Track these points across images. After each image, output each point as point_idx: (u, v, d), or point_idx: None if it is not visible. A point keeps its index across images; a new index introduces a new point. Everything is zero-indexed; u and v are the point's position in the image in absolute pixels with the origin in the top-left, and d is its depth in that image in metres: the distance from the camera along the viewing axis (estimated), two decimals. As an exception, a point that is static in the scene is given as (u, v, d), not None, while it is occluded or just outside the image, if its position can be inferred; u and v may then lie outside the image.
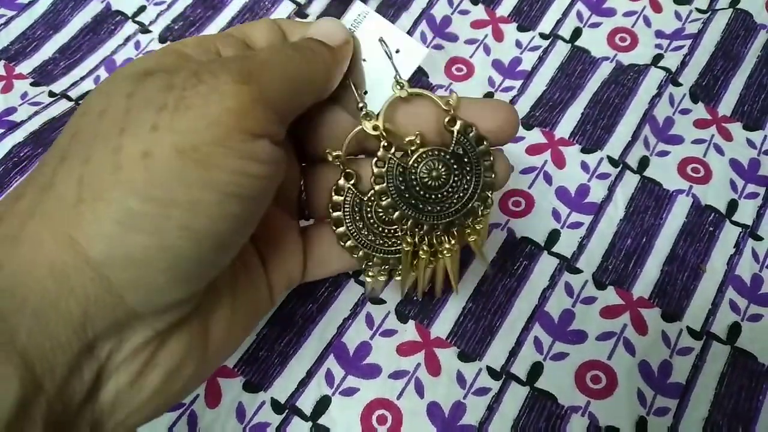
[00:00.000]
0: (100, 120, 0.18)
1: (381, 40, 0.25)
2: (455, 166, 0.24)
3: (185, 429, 0.29)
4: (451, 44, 0.41)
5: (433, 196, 0.24)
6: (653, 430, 0.29)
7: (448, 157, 0.24)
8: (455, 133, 0.24)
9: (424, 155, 0.24)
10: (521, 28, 0.41)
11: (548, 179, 0.35)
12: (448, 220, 0.24)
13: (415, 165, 0.24)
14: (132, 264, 0.17)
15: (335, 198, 0.25)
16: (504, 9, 0.42)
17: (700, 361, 0.31)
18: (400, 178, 0.24)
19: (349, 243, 0.26)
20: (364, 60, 0.25)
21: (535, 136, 0.37)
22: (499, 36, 0.41)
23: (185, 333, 0.20)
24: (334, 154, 0.24)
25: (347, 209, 0.25)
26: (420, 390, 0.30)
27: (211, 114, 0.18)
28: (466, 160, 0.24)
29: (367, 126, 0.23)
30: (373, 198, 0.25)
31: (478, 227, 0.25)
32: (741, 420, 0.29)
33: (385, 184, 0.24)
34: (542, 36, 0.41)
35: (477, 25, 0.41)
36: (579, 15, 0.42)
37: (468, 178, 0.24)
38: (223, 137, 0.18)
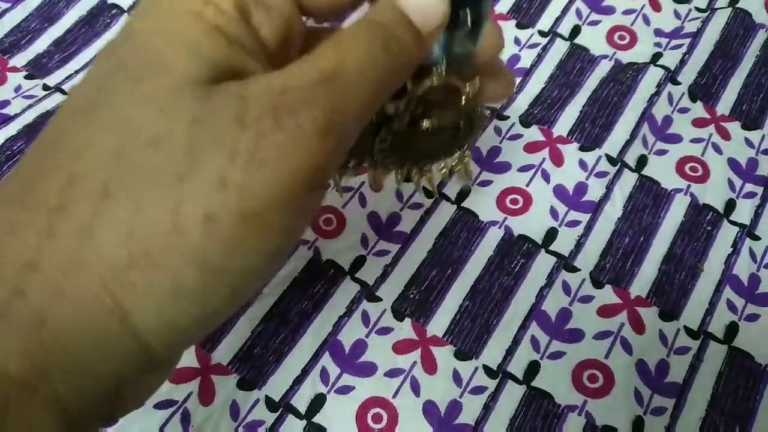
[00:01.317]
0: (155, 152, 0.15)
1: None
2: None
3: (178, 427, 0.28)
4: (449, 41, 0.40)
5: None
6: (650, 430, 0.29)
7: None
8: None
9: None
10: (520, 26, 0.41)
11: (546, 177, 0.35)
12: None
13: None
14: (176, 332, 0.16)
15: None
16: (503, 6, 0.42)
17: (697, 361, 0.30)
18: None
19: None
20: None
21: (533, 133, 0.36)
22: (497, 33, 0.41)
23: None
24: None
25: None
26: (416, 388, 0.29)
27: (285, 175, 0.15)
28: None
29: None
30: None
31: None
32: (738, 420, 0.29)
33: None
34: (541, 33, 0.41)
35: (475, 21, 0.41)
36: (578, 13, 0.42)
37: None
38: (289, 199, 0.16)
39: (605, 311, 0.31)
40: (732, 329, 0.31)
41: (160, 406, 0.29)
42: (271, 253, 0.16)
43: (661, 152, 0.36)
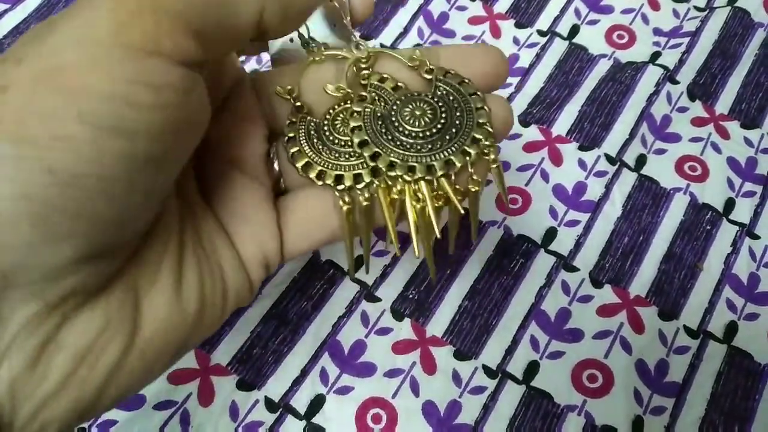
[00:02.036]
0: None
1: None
2: (441, 106, 0.21)
3: (177, 428, 0.28)
4: (448, 40, 0.40)
5: (419, 140, 0.21)
6: (650, 430, 0.29)
7: (430, 97, 0.21)
8: (433, 78, 0.21)
9: (404, 99, 0.21)
10: (519, 25, 0.41)
11: (545, 177, 0.35)
12: (441, 160, 0.20)
13: (395, 109, 0.21)
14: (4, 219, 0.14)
15: (289, 133, 0.21)
16: (501, 5, 0.42)
17: (696, 360, 0.30)
18: (382, 128, 0.21)
19: (303, 161, 0.21)
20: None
21: (533, 133, 0.36)
22: (496, 32, 0.41)
23: (98, 311, 0.16)
24: (288, 88, 0.21)
25: (302, 135, 0.21)
26: (415, 389, 0.29)
27: (79, 27, 0.14)
28: (452, 98, 0.21)
29: (330, 89, 0.21)
30: (328, 119, 0.22)
31: (476, 177, 0.21)
32: (737, 419, 0.29)
33: (366, 137, 0.21)
34: (540, 33, 0.41)
35: (474, 21, 0.41)
36: (577, 12, 0.42)
37: (458, 114, 0.21)
38: (93, 56, 0.14)
39: (605, 311, 0.31)
40: (731, 329, 0.31)
41: (159, 406, 0.29)
42: (98, 122, 0.14)
43: (660, 151, 0.36)
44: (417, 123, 0.21)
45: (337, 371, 0.30)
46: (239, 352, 0.30)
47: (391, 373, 0.30)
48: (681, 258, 0.33)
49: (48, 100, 0.14)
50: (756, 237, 0.34)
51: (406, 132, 0.21)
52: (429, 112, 0.21)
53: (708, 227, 0.34)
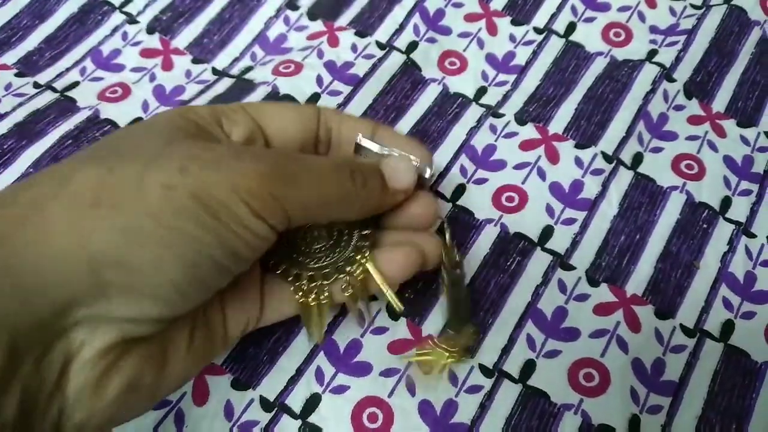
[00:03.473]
0: (134, 149, 0.22)
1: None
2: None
3: (172, 427, 0.28)
4: (444, 37, 0.40)
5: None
6: (646, 429, 0.29)
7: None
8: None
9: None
10: (515, 23, 0.41)
11: (542, 175, 0.35)
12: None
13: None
14: (127, 270, 0.19)
15: None
16: (498, 3, 0.42)
17: (693, 359, 0.30)
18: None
19: (281, 268, 0.27)
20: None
21: (529, 131, 0.36)
22: (492, 30, 0.41)
23: (146, 349, 0.22)
24: None
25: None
26: (411, 388, 0.29)
27: (233, 179, 0.21)
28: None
29: None
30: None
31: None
32: (734, 418, 0.29)
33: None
34: (536, 30, 0.41)
35: (471, 18, 0.41)
36: (573, 9, 0.41)
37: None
38: (234, 203, 0.21)
39: (601, 309, 0.31)
40: (728, 327, 0.31)
41: (153, 406, 0.28)
42: (221, 240, 0.21)
43: (657, 150, 0.36)
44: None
45: (332, 370, 0.30)
46: (234, 352, 0.30)
47: (387, 373, 0.29)
48: (677, 256, 0.33)
49: (200, 211, 0.20)
50: (752, 235, 0.34)
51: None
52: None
53: (704, 226, 0.34)
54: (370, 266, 0.27)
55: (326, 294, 0.27)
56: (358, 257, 0.27)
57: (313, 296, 0.27)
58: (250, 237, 0.21)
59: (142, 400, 0.23)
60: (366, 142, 0.28)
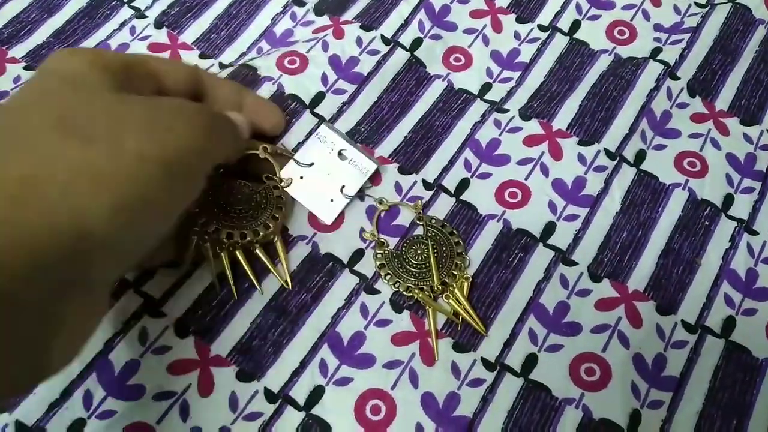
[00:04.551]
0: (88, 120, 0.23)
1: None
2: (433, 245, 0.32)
3: (177, 418, 0.28)
4: (449, 33, 0.40)
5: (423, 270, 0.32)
6: (647, 423, 0.29)
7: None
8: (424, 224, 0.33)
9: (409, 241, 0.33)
10: (520, 20, 0.41)
11: (545, 171, 0.35)
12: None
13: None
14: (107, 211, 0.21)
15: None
16: (503, 0, 0.42)
17: (694, 355, 0.31)
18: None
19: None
20: (312, 163, 0.33)
21: (533, 127, 0.36)
22: (497, 27, 0.41)
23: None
24: None
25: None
26: (414, 380, 0.29)
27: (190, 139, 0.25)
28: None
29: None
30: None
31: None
32: (735, 413, 0.29)
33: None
34: (541, 28, 0.41)
35: (476, 14, 0.41)
36: (578, 7, 0.42)
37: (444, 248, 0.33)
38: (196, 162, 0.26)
39: (603, 305, 0.32)
40: (729, 323, 0.31)
41: (158, 397, 0.29)
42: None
43: (660, 147, 0.36)
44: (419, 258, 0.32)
45: (336, 362, 0.30)
46: (239, 344, 0.30)
47: (390, 365, 0.30)
48: (679, 253, 0.33)
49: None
50: (754, 233, 0.34)
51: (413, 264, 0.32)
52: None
53: (707, 223, 0.34)
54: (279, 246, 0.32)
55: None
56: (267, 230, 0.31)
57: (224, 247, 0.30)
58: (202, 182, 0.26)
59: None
60: (326, 131, 0.34)
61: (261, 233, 0.31)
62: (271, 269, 0.31)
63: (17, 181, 0.20)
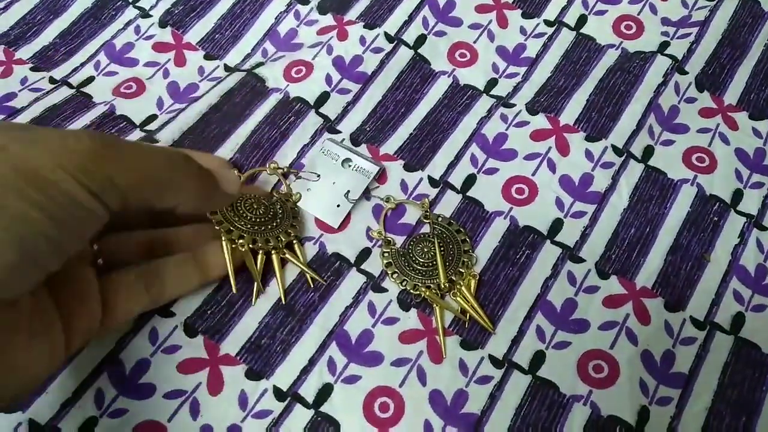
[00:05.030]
0: None
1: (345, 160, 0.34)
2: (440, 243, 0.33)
3: (187, 417, 0.29)
4: (454, 29, 0.40)
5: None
6: (655, 420, 0.29)
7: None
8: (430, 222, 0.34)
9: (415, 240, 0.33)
10: (525, 15, 0.41)
11: (552, 167, 0.35)
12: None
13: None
14: None
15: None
16: (509, -5, 0.42)
17: (703, 351, 0.31)
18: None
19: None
20: (318, 175, 0.34)
21: (540, 121, 0.36)
22: (503, 22, 0.41)
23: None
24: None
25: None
26: (422, 378, 0.30)
27: (59, 156, 0.20)
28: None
29: None
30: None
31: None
32: (744, 410, 0.29)
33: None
34: (547, 23, 0.41)
35: (481, 9, 0.41)
36: (584, 2, 0.41)
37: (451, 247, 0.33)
38: (62, 179, 0.20)
39: (610, 302, 0.31)
40: (738, 320, 0.31)
41: (169, 395, 0.29)
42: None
43: (668, 142, 0.36)
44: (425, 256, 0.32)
45: (344, 360, 0.30)
46: (248, 342, 0.30)
47: (398, 362, 0.30)
48: (688, 249, 0.33)
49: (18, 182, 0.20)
50: (764, 228, 0.34)
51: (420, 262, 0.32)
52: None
53: (715, 218, 0.34)
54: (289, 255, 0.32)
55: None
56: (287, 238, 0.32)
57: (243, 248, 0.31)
58: (83, 214, 0.21)
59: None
60: (330, 145, 0.35)
61: (284, 239, 0.32)
62: (304, 269, 0.32)
63: None
